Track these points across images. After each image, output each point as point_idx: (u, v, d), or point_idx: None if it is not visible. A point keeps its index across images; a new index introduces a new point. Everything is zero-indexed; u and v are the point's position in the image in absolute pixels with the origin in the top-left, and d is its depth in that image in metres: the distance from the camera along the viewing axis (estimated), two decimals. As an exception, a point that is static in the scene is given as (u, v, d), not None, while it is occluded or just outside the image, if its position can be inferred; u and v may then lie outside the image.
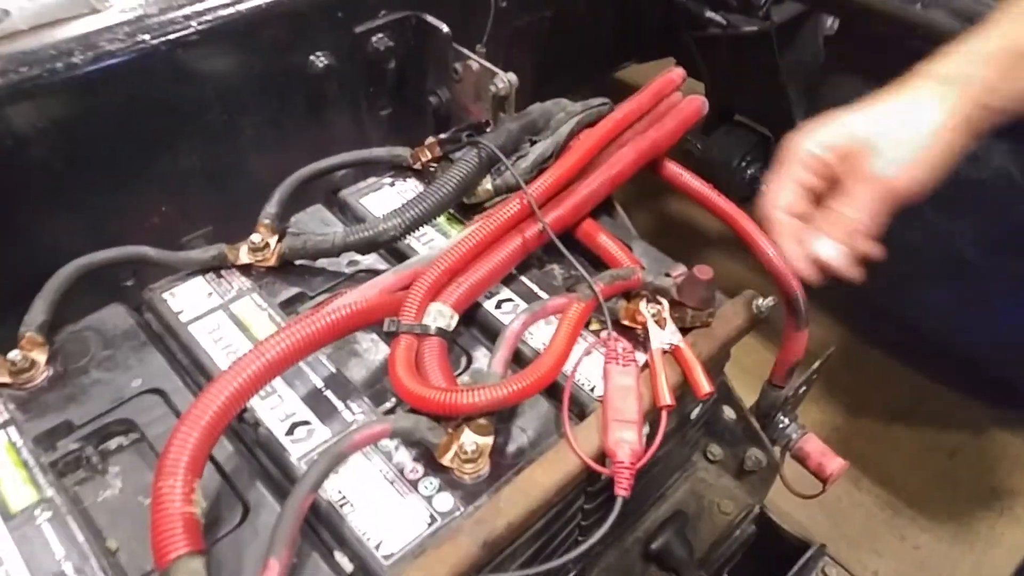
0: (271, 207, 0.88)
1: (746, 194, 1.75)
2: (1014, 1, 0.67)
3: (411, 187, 0.98)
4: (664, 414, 0.70)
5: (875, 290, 1.58)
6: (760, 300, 0.80)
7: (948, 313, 1.51)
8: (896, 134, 0.63)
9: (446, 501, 0.66)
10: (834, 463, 0.97)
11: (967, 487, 1.62)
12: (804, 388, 0.96)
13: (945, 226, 1.25)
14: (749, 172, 1.72)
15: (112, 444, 0.74)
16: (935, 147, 0.63)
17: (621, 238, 0.86)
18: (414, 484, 0.67)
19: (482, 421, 0.67)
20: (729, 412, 0.94)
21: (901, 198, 0.64)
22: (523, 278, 0.85)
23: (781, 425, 1.00)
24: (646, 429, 0.70)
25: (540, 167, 0.88)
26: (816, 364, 0.93)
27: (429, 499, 0.66)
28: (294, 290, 0.85)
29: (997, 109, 0.64)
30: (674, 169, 0.97)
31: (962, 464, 1.66)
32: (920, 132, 0.63)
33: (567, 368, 0.72)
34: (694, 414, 0.88)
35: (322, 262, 0.88)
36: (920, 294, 1.48)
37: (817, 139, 0.67)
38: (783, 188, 0.68)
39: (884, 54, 1.20)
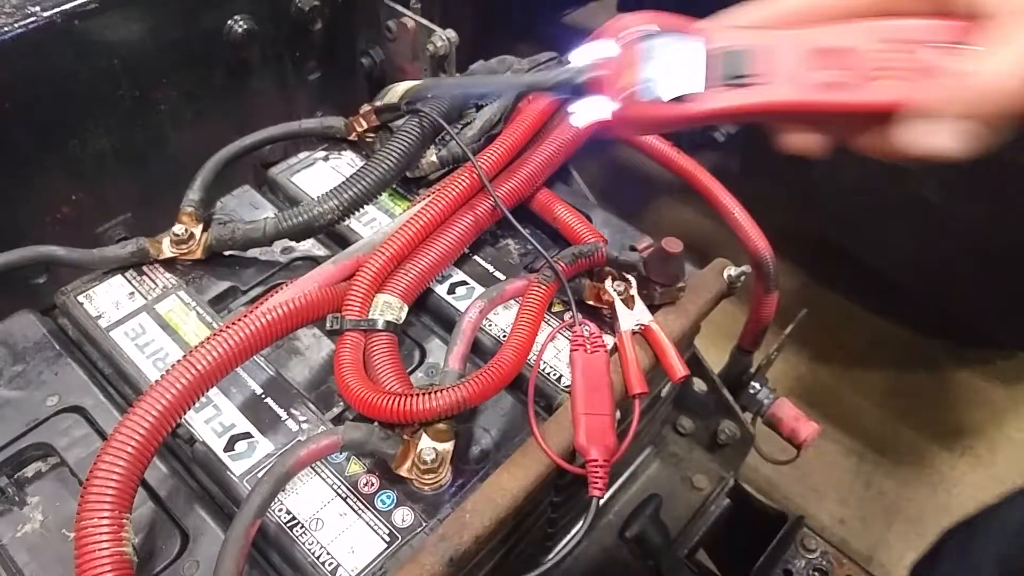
0: (193, 193, 0.80)
1: (700, 141, 1.70)
2: None
3: (347, 161, 0.90)
4: (637, 402, 0.65)
5: (834, 231, 1.56)
6: (732, 269, 0.75)
7: (907, 253, 1.49)
8: None
9: (406, 516, 0.60)
10: (807, 428, 0.94)
11: (929, 428, 1.62)
12: (775, 353, 0.92)
13: (907, 167, 1.22)
14: (702, 119, 1.67)
15: (29, 471, 0.66)
16: None
17: (579, 208, 0.80)
18: (369, 499, 0.61)
19: (441, 426, 0.61)
20: (700, 384, 0.89)
21: None
22: (477, 258, 0.78)
23: (752, 391, 0.96)
24: (618, 415, 0.65)
25: (488, 134, 0.80)
26: (788, 329, 0.89)
27: (387, 514, 0.60)
28: (224, 284, 0.77)
29: None
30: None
31: (923, 405, 1.66)
32: None
33: (530, 357, 0.67)
34: (664, 391, 0.84)
35: (254, 252, 0.80)
36: (879, 234, 1.47)
37: None
38: None
39: None
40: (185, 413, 0.58)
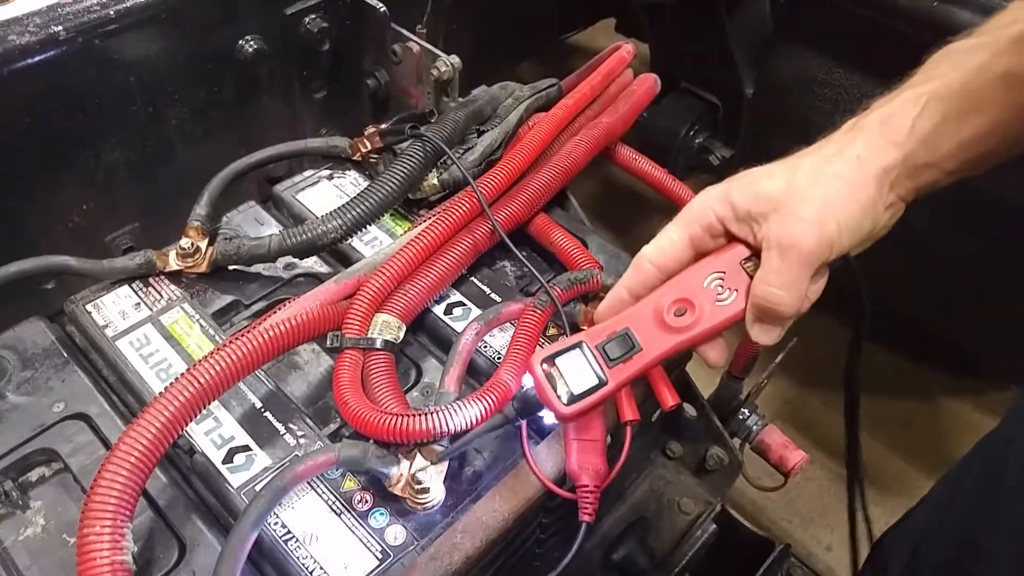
0: (200, 208, 0.82)
1: (694, 164, 1.72)
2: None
3: (350, 180, 0.92)
4: (629, 430, 0.67)
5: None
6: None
7: (900, 283, 1.51)
8: (810, 193, 0.54)
9: (398, 534, 0.62)
10: (795, 456, 0.95)
11: (919, 457, 1.63)
12: (765, 380, 0.94)
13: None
14: (697, 141, 1.69)
15: (33, 476, 0.68)
16: (856, 209, 0.54)
17: (576, 233, 0.82)
18: (363, 516, 0.63)
19: (435, 447, 0.63)
20: (690, 409, 0.91)
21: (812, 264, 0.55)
22: (474, 279, 0.80)
23: (741, 417, 0.97)
24: (608, 440, 0.67)
25: (489, 159, 0.83)
26: (778, 357, 0.91)
27: (380, 532, 0.62)
28: (228, 298, 0.79)
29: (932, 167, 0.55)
30: (628, 154, 0.94)
31: (913, 434, 1.67)
32: (839, 191, 0.54)
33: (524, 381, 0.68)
34: (654, 417, 0.86)
35: (258, 267, 0.82)
36: (871, 262, 1.48)
37: (723, 196, 0.58)
38: (668, 236, 0.60)
39: (833, 23, 1.18)
40: (187, 425, 0.60)
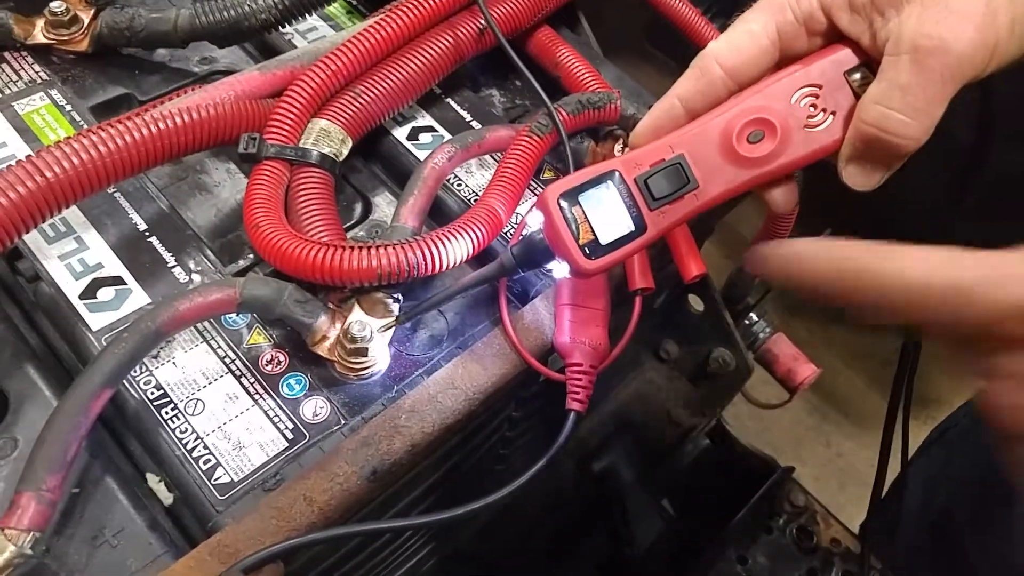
0: (88, -35, 0.61)
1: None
2: None
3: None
4: (639, 300, 0.50)
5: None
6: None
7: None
8: None
9: (319, 408, 0.44)
10: (806, 369, 0.81)
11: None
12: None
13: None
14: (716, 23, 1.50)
15: None
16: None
17: (588, 59, 0.63)
18: (272, 381, 0.45)
19: (380, 296, 0.45)
20: (696, 302, 0.75)
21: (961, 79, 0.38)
22: (451, 100, 0.61)
23: (748, 322, 0.82)
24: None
25: (483, -55, 0.62)
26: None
27: (294, 404, 0.44)
28: (117, 90, 0.59)
29: None
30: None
31: (893, 372, 1.57)
32: None
33: (509, 226, 0.51)
34: (657, 302, 0.69)
35: (162, 54, 0.62)
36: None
37: None
38: (747, 27, 0.41)
39: None
40: (21, 235, 0.41)
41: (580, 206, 0.39)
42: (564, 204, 0.39)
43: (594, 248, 0.39)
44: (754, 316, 0.83)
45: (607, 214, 0.39)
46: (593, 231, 0.39)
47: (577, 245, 0.38)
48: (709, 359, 0.75)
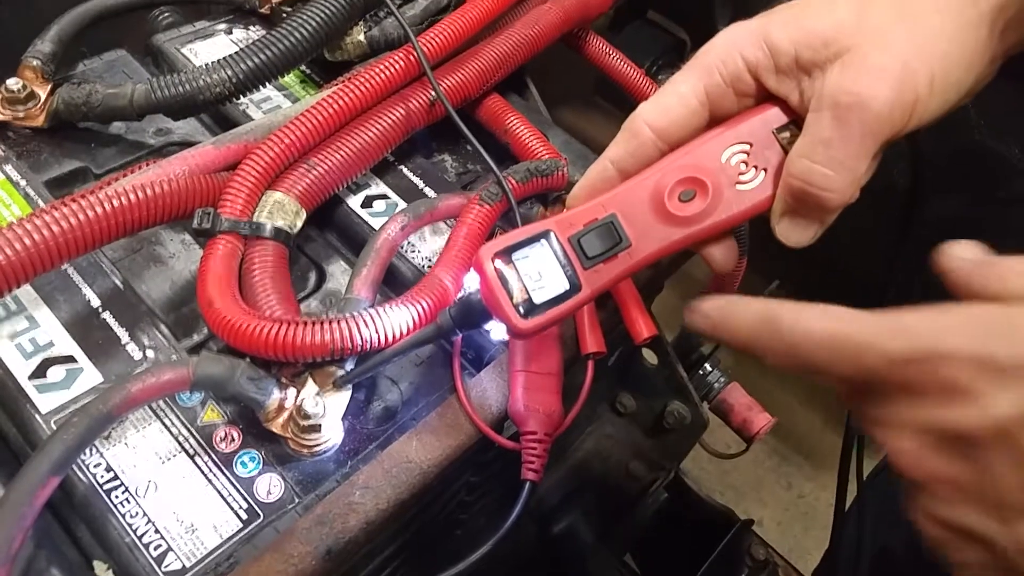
0: (43, 44, 0.62)
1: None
2: None
3: (254, 36, 0.72)
4: (591, 364, 0.51)
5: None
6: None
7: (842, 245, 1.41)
8: (893, 32, 0.38)
9: (273, 486, 0.44)
10: (761, 419, 0.83)
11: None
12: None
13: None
14: (660, 78, 1.53)
15: None
16: (961, 56, 0.39)
17: (536, 124, 0.65)
18: (226, 460, 0.45)
19: (333, 370, 0.46)
20: (650, 356, 0.76)
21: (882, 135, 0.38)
22: (404, 168, 0.62)
23: (702, 371, 0.84)
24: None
25: (433, 18, 0.64)
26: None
27: (248, 483, 0.44)
28: (73, 164, 0.59)
29: None
30: (600, 45, 0.77)
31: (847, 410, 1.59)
32: (940, 29, 0.38)
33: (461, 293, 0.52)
34: (611, 360, 0.70)
35: (117, 127, 0.62)
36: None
37: (757, 35, 0.41)
38: (676, 90, 0.42)
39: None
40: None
41: (514, 265, 0.39)
42: (499, 264, 0.39)
43: (529, 308, 0.39)
44: (708, 367, 0.85)
45: (542, 273, 0.39)
46: (527, 291, 0.39)
47: (512, 305, 0.39)
48: (665, 413, 0.76)
